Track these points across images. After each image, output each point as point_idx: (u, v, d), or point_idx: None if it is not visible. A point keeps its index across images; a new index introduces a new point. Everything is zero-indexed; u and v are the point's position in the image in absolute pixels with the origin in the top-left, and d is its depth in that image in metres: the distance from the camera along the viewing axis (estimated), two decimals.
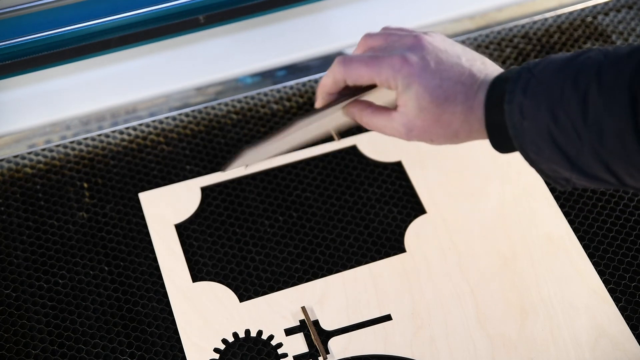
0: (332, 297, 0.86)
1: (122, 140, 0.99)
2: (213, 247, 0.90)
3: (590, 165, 0.61)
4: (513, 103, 0.63)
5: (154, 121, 1.01)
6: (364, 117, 0.72)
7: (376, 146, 0.96)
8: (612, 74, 0.58)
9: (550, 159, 0.62)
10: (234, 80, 1.05)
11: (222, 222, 0.92)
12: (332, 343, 0.83)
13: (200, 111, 1.01)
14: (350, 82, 0.70)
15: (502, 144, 0.66)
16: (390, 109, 0.70)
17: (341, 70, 0.69)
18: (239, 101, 1.02)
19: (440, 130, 0.68)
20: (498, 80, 0.66)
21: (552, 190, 0.93)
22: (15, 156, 0.98)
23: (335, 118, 0.75)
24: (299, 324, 0.84)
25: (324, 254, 0.89)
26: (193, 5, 0.97)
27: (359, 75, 0.69)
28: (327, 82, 0.71)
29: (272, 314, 0.85)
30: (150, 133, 1.00)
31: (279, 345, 0.83)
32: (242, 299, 0.86)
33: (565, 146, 0.61)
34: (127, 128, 1.00)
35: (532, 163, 0.64)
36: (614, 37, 1.07)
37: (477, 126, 0.67)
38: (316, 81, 1.04)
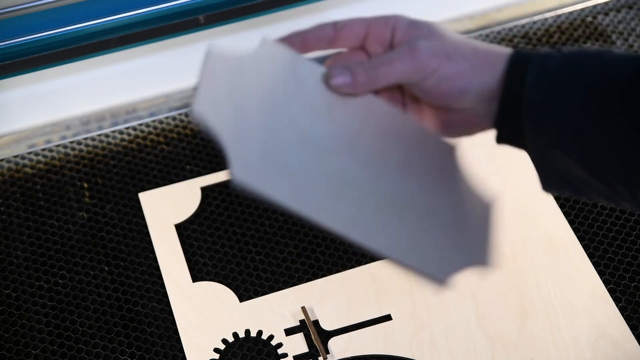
0: (332, 297, 0.86)
1: (122, 140, 0.99)
2: (213, 247, 0.90)
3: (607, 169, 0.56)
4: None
5: (154, 121, 1.01)
6: (360, 64, 0.60)
7: None
8: None
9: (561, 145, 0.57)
10: None
11: (222, 222, 0.92)
12: (332, 343, 0.83)
13: None
14: (341, 29, 0.61)
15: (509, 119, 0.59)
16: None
17: (332, 21, 0.61)
18: None
19: (458, 43, 0.59)
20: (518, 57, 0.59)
21: None
22: (15, 156, 0.98)
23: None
24: (299, 324, 0.84)
25: (324, 254, 0.89)
26: (193, 5, 0.97)
27: (354, 23, 0.61)
28: (309, 28, 0.61)
29: (272, 314, 0.85)
30: (150, 133, 1.00)
31: (279, 345, 0.83)
32: (242, 299, 0.86)
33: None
34: (127, 128, 1.00)
35: (535, 134, 0.58)
36: (614, 37, 1.07)
37: (497, 57, 0.59)
38: None
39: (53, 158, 0.98)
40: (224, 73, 0.55)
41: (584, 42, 1.07)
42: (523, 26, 1.09)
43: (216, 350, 0.83)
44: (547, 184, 0.60)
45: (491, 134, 0.62)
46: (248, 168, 0.53)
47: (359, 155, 0.58)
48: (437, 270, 0.58)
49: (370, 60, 0.60)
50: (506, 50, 0.60)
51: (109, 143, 0.99)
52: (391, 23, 0.60)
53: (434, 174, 0.61)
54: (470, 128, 0.62)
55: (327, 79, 0.59)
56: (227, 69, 0.55)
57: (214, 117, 0.53)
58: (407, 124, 0.61)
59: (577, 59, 0.58)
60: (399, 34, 0.60)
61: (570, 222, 0.90)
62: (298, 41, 0.60)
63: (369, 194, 0.57)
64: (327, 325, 0.84)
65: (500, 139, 0.61)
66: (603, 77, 0.56)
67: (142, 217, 0.92)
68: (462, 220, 0.60)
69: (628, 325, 0.83)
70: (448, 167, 0.62)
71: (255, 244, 0.90)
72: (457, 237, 0.60)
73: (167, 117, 1.01)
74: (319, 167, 0.56)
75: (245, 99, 0.55)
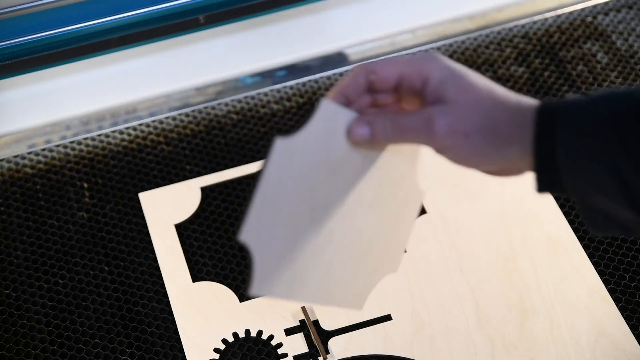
0: None
1: (122, 140, 0.99)
2: (213, 247, 0.90)
3: None
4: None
5: (154, 121, 1.01)
6: (382, 120, 0.60)
7: None
8: None
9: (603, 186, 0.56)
10: (234, 80, 1.05)
11: (222, 222, 0.92)
12: (332, 343, 0.83)
13: (200, 111, 1.01)
14: (373, 77, 0.60)
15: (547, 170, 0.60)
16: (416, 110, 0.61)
17: (365, 66, 0.60)
18: (239, 101, 1.02)
19: (479, 121, 0.58)
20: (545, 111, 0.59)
21: None
22: (15, 156, 0.98)
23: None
24: (299, 324, 0.84)
25: None
26: (193, 5, 0.97)
27: (385, 67, 0.60)
28: (347, 78, 0.61)
29: (272, 314, 0.85)
30: (150, 133, 1.00)
31: (279, 345, 0.83)
32: (242, 299, 0.86)
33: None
34: (127, 128, 1.00)
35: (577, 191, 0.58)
36: (614, 37, 1.07)
37: (521, 127, 0.58)
38: (316, 81, 1.04)
39: (53, 158, 0.98)
40: (283, 169, 0.58)
41: (584, 42, 1.07)
42: (523, 26, 1.09)
43: (216, 350, 0.83)
44: (595, 226, 0.60)
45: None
46: (264, 283, 0.59)
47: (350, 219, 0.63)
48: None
49: (390, 118, 0.60)
50: (531, 112, 0.58)
51: (109, 143, 0.99)
52: (424, 73, 0.59)
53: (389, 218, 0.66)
54: (498, 147, 0.61)
55: (348, 134, 0.60)
56: (286, 161, 0.58)
57: (256, 243, 0.59)
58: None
59: (606, 103, 0.57)
60: (430, 89, 0.59)
61: (570, 222, 0.90)
62: (341, 98, 0.61)
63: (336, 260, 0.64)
64: (327, 325, 0.84)
65: (540, 190, 0.63)
66: (636, 115, 0.55)
67: (142, 217, 0.92)
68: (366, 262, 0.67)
69: (628, 325, 0.83)
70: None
71: None
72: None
73: (167, 117, 1.01)
74: (319, 259, 0.62)
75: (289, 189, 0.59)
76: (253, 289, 0.58)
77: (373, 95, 0.62)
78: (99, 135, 1.00)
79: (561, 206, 0.92)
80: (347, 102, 0.61)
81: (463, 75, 0.59)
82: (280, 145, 0.57)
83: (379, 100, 0.62)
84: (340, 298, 0.66)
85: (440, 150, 0.59)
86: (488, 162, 0.61)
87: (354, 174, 0.62)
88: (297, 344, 0.83)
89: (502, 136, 0.59)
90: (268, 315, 0.85)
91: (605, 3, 1.10)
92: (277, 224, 0.58)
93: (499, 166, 0.62)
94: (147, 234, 0.91)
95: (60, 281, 0.88)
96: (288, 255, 0.60)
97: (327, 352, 0.82)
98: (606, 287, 0.86)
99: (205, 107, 1.02)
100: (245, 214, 0.57)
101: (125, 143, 0.99)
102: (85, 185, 0.96)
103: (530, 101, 0.59)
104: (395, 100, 0.62)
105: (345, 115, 0.60)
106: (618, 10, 1.10)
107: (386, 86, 0.61)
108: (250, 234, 0.58)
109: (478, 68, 1.04)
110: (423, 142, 0.59)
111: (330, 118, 0.59)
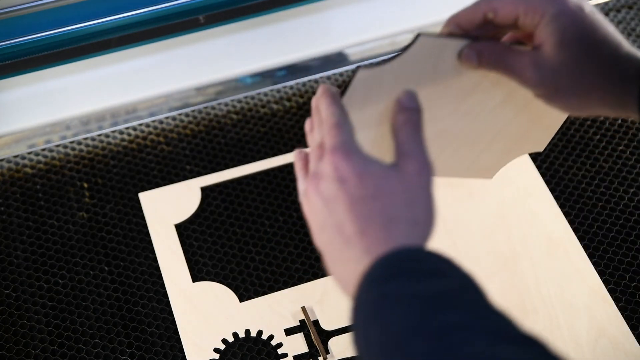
0: (332, 297, 0.86)
1: (122, 140, 0.99)
2: (213, 247, 0.90)
3: None
4: None
5: (154, 121, 1.01)
6: (489, 52, 0.63)
7: None
8: None
9: None
10: (234, 80, 1.05)
11: (222, 222, 0.92)
12: (332, 343, 0.83)
13: (200, 111, 1.01)
14: (490, 15, 0.63)
15: None
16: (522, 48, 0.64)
17: (486, 2, 0.63)
18: (239, 101, 1.02)
19: (575, 76, 0.61)
20: None
21: (552, 190, 0.93)
22: (15, 156, 0.98)
23: (450, 75, 0.66)
24: (299, 324, 0.84)
25: None
26: (193, 5, 0.97)
27: (505, 6, 0.62)
28: (464, 11, 0.64)
29: (272, 314, 0.85)
30: (150, 133, 1.00)
31: (279, 345, 0.83)
32: (242, 299, 0.86)
33: None
34: (127, 128, 1.00)
35: None
36: None
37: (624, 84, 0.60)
38: (316, 81, 1.04)
39: (53, 158, 0.98)
40: (363, 92, 0.62)
41: None
42: None
43: (216, 350, 0.83)
44: None
45: None
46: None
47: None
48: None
49: (497, 53, 0.63)
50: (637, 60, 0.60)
51: (109, 143, 0.99)
52: (539, 11, 0.61)
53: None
54: (591, 106, 0.63)
55: (459, 57, 0.64)
56: (367, 86, 0.62)
57: None
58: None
59: None
60: (542, 31, 0.61)
61: (570, 222, 0.90)
62: (455, 27, 0.64)
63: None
64: (327, 325, 0.84)
65: None
66: None
67: (142, 217, 0.92)
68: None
69: (628, 325, 0.83)
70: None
71: (255, 244, 0.90)
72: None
73: (167, 117, 1.01)
74: None
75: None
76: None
77: (487, 27, 0.64)
78: (99, 135, 1.00)
79: (561, 206, 0.92)
80: (460, 32, 0.64)
81: (579, 23, 0.60)
82: (364, 74, 0.61)
83: (492, 32, 0.64)
84: (466, 171, 0.74)
85: (542, 94, 0.63)
86: (574, 112, 0.64)
87: (467, 90, 0.66)
88: (297, 344, 0.83)
89: (595, 98, 0.61)
90: (268, 315, 0.85)
91: (605, 3, 1.10)
92: (362, 124, 0.63)
93: (584, 114, 0.64)
94: (147, 234, 0.91)
95: (60, 281, 0.88)
96: (380, 149, 0.64)
97: (327, 352, 0.82)
98: (606, 287, 0.86)
99: (205, 107, 1.02)
100: None
101: (125, 143, 0.99)
102: (85, 185, 0.95)
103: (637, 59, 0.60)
104: (508, 36, 0.65)
105: (452, 45, 0.63)
106: (618, 10, 1.10)
107: (502, 24, 0.63)
108: None
109: None
110: (521, 83, 0.62)
111: (431, 49, 0.63)
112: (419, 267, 0.55)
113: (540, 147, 0.74)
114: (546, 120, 0.71)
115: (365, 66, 0.61)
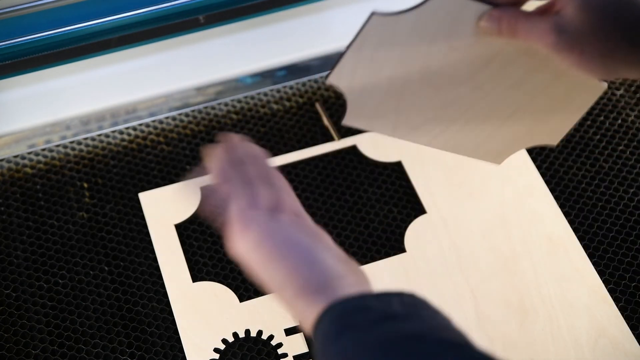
0: None
1: (122, 140, 0.99)
2: (213, 247, 0.90)
3: None
4: None
5: (154, 121, 1.01)
6: (509, 17, 0.64)
7: (376, 146, 0.96)
8: None
9: None
10: (234, 80, 1.05)
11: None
12: None
13: (200, 111, 1.01)
14: None
15: None
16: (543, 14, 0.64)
17: None
18: (239, 101, 1.02)
19: (599, 38, 0.60)
20: None
21: (552, 190, 0.93)
22: (15, 156, 0.98)
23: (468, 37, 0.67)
24: (299, 323, 0.84)
25: None
26: (193, 5, 0.97)
27: None
28: None
29: (272, 314, 0.85)
30: (150, 133, 1.00)
31: (279, 345, 0.83)
32: (242, 299, 0.86)
33: None
34: (127, 128, 1.00)
35: None
36: None
37: None
38: (316, 81, 1.04)
39: (53, 158, 0.98)
40: (377, 34, 0.64)
41: None
42: None
43: (216, 350, 0.83)
44: None
45: None
46: (356, 116, 0.70)
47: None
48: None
49: (517, 18, 0.64)
50: None
51: (109, 143, 0.99)
52: None
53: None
54: (613, 70, 0.63)
55: (478, 22, 0.64)
56: (382, 30, 0.64)
57: (347, 83, 0.67)
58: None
59: None
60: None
61: (570, 222, 0.90)
62: None
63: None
64: None
65: None
66: None
67: (142, 217, 0.92)
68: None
69: (628, 325, 0.83)
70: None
71: None
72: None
73: (167, 117, 1.01)
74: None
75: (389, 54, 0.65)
76: (345, 119, 0.69)
77: None
78: (99, 135, 1.00)
79: (561, 206, 0.92)
80: None
81: None
82: (378, 20, 0.62)
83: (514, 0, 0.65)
84: (474, 151, 0.75)
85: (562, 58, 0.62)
86: (599, 76, 0.64)
87: (483, 61, 0.67)
88: (297, 344, 0.83)
89: (620, 60, 0.61)
90: (268, 315, 0.85)
91: None
92: (373, 74, 0.65)
93: (610, 77, 0.66)
94: (147, 234, 0.91)
95: (60, 281, 0.88)
96: (391, 102, 0.68)
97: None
98: (606, 287, 0.86)
99: (205, 107, 1.02)
100: (336, 63, 0.64)
101: (125, 143, 0.99)
102: (85, 185, 0.96)
103: None
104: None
105: (472, 6, 0.64)
106: None
107: None
108: (340, 78, 0.66)
109: None
110: (543, 47, 0.62)
111: (450, 6, 0.63)
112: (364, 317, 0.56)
113: (553, 141, 0.74)
114: (563, 111, 0.71)
115: (380, 13, 0.62)
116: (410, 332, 0.53)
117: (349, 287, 0.59)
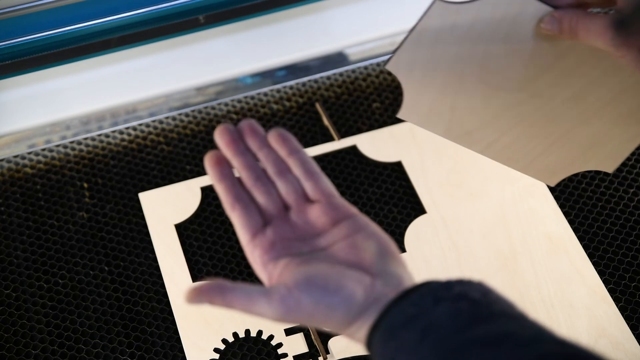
0: None
1: (122, 140, 0.99)
2: (213, 247, 0.90)
3: None
4: None
5: (154, 121, 1.01)
6: (569, 17, 0.64)
7: (376, 146, 0.96)
8: None
9: None
10: (234, 80, 1.05)
11: (222, 222, 0.92)
12: (332, 343, 0.83)
13: (200, 111, 1.01)
14: None
15: None
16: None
17: None
18: (239, 101, 1.02)
19: None
20: None
21: (552, 190, 0.93)
22: (15, 156, 0.98)
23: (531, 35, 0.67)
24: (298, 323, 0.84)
25: None
26: (193, 5, 0.97)
27: None
28: None
29: None
30: (150, 133, 1.00)
31: (279, 345, 0.83)
32: None
33: None
34: (127, 128, 1.00)
35: None
36: None
37: None
38: (316, 81, 1.04)
39: (53, 158, 0.98)
40: (438, 21, 0.65)
41: None
42: None
43: (216, 350, 0.83)
44: None
45: None
46: (413, 110, 0.70)
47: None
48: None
49: (577, 18, 0.64)
50: None
51: (109, 143, 0.99)
52: None
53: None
54: None
55: (540, 23, 0.65)
56: (443, 18, 0.65)
57: (405, 73, 0.67)
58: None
59: None
60: None
61: (570, 222, 0.90)
62: None
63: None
64: None
65: None
66: None
67: (142, 217, 0.92)
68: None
69: (628, 325, 0.83)
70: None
71: None
72: None
73: (167, 117, 1.01)
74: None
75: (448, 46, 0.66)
76: (401, 113, 0.69)
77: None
78: (99, 135, 1.00)
79: (561, 206, 0.92)
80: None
81: None
82: (440, 6, 0.64)
83: (576, 1, 0.65)
84: (527, 167, 0.74)
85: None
86: None
87: (541, 67, 0.67)
88: (297, 344, 0.83)
89: None
90: None
91: None
92: (431, 67, 0.65)
93: None
94: (147, 234, 0.91)
95: (60, 281, 0.88)
96: (446, 100, 0.68)
97: (327, 352, 0.82)
98: (606, 287, 0.86)
99: (205, 107, 1.02)
100: (396, 49, 0.66)
101: (125, 143, 0.99)
102: (85, 185, 0.96)
103: None
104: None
105: (535, 5, 0.64)
106: None
107: None
108: (399, 66, 0.66)
109: None
110: (603, 45, 0.62)
111: (510, 2, 0.64)
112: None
113: (609, 168, 0.72)
114: (621, 135, 0.70)
115: (443, 0, 0.63)
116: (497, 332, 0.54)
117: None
